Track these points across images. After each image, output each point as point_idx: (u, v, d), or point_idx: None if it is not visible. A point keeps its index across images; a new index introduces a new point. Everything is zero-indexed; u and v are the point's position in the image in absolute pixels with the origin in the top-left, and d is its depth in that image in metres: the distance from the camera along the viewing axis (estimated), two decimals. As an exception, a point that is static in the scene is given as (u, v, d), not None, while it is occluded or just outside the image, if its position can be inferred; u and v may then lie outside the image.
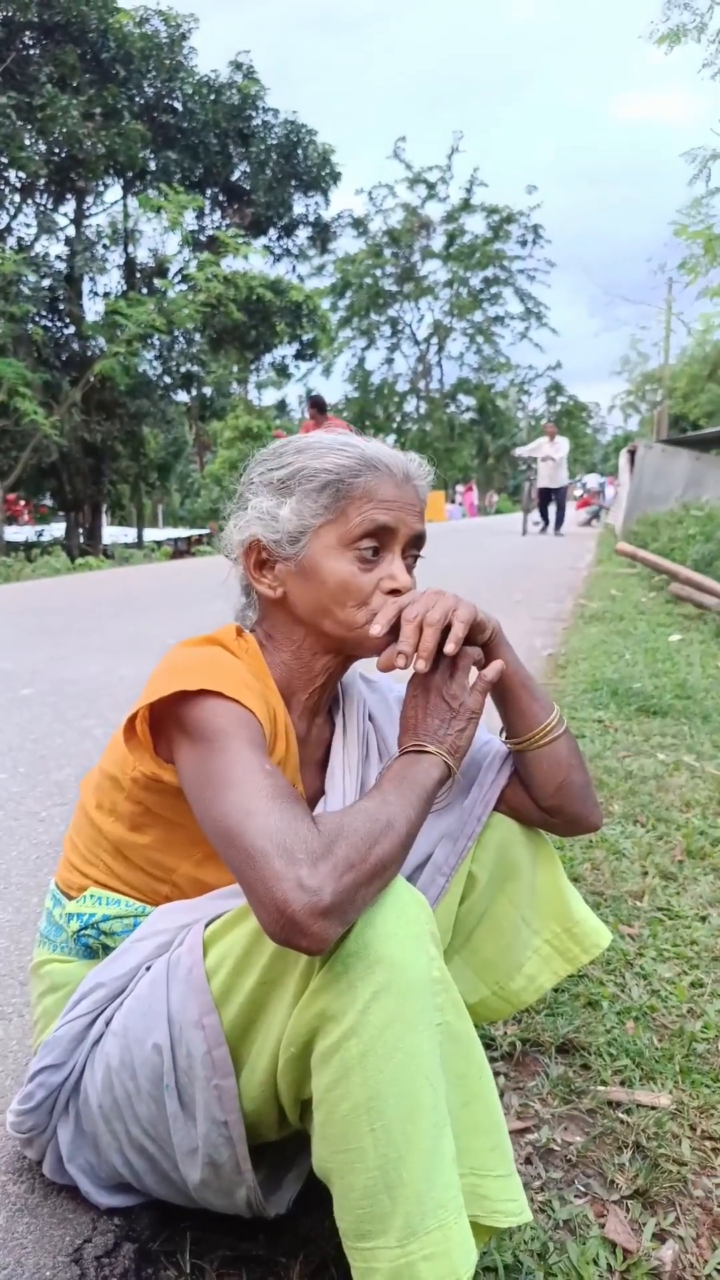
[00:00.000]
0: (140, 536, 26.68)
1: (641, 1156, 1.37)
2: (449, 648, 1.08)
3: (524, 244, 36.10)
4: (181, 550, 22.40)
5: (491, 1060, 1.53)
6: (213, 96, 20.32)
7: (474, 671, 1.15)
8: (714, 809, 2.78)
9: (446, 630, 1.09)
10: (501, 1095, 1.47)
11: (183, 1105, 1.02)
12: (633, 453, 15.26)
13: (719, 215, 12.29)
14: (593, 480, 30.07)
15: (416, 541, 1.18)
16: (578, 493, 27.26)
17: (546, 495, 17.28)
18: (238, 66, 20.66)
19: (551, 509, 17.36)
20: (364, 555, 1.13)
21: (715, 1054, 1.61)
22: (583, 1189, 1.31)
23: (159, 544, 23.31)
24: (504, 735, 1.25)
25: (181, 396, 23.96)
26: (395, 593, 1.14)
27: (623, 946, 1.94)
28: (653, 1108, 1.46)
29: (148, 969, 1.09)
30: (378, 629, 1.11)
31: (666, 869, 2.34)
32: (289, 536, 1.15)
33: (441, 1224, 0.86)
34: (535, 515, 17.62)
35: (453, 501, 34.54)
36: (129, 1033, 1.06)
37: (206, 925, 1.05)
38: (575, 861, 2.36)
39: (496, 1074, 1.53)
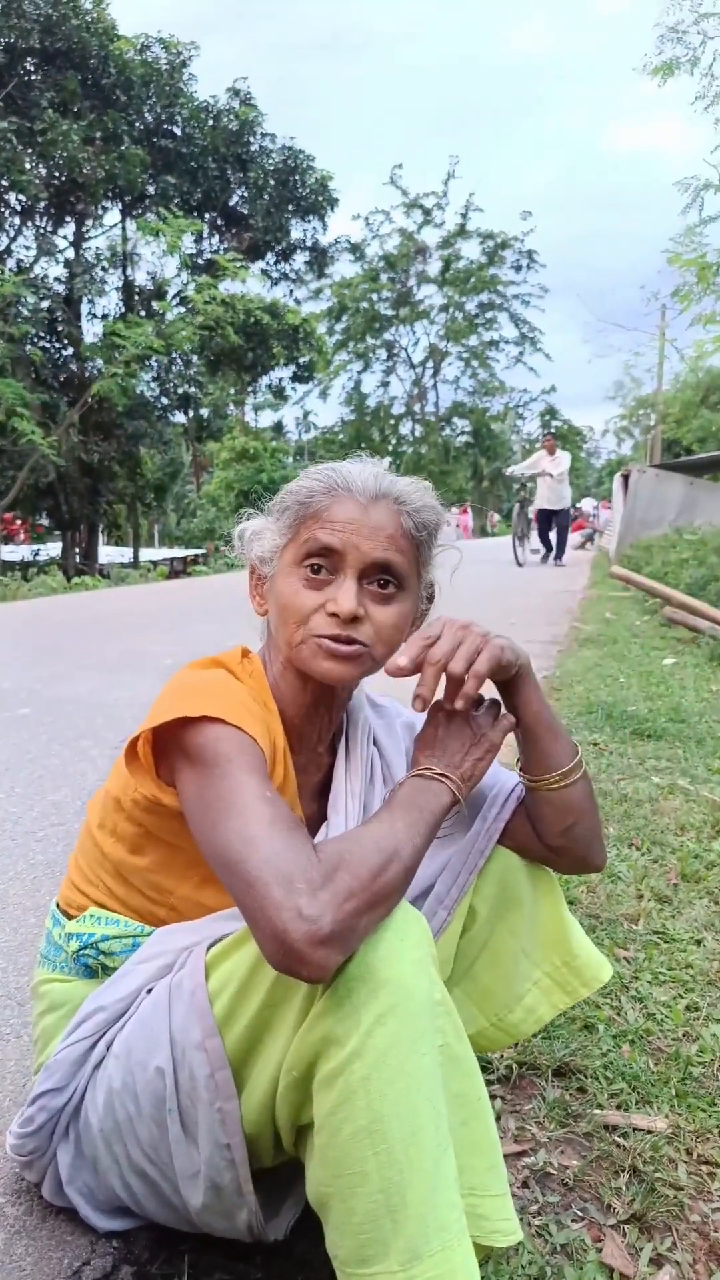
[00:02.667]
0: (136, 556, 26.71)
1: (638, 1181, 1.37)
2: (458, 704, 1.07)
3: (518, 269, 36.39)
4: (177, 570, 22.40)
5: (488, 1084, 1.53)
6: (211, 122, 20.56)
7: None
8: (709, 833, 2.79)
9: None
10: (498, 1118, 1.48)
11: (185, 1128, 1.02)
12: (626, 477, 15.16)
13: (712, 244, 12.48)
14: (587, 504, 30.24)
15: (379, 569, 1.12)
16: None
17: (547, 518, 14.87)
18: (236, 93, 20.91)
19: (552, 535, 14.99)
20: (308, 575, 1.12)
21: (711, 1078, 1.61)
22: (580, 1213, 1.31)
23: (155, 564, 23.31)
24: (520, 770, 1.23)
25: (179, 418, 24.19)
26: (334, 616, 1.10)
27: (618, 970, 1.95)
28: (649, 1131, 1.46)
29: (149, 992, 1.09)
30: (403, 661, 1.06)
31: (662, 892, 2.35)
32: (267, 557, 1.19)
33: (445, 1246, 0.86)
34: (534, 542, 15.28)
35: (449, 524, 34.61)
36: (131, 1055, 1.06)
37: (209, 948, 1.05)
38: (571, 885, 2.36)
39: (493, 1097, 1.53)
